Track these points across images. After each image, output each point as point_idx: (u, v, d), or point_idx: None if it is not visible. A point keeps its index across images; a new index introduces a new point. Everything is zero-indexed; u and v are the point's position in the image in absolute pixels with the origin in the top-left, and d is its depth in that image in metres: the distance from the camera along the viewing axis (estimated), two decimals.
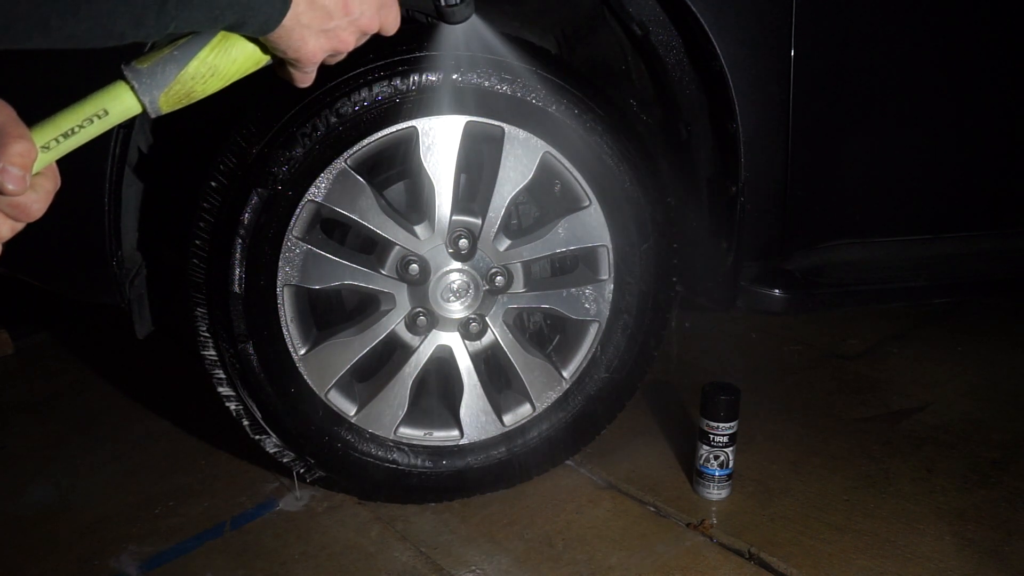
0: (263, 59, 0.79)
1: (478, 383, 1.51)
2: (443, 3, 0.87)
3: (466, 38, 0.96)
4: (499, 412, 1.54)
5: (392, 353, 1.52)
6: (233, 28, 0.70)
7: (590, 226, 1.47)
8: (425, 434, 1.53)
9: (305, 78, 0.81)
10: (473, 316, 1.48)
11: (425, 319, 1.46)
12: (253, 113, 1.32)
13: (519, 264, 1.49)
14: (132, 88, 0.73)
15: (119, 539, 1.49)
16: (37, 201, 0.64)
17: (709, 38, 1.39)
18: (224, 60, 0.76)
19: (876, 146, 1.64)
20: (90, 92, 0.73)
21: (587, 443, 1.64)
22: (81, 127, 0.72)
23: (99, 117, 0.73)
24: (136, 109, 0.75)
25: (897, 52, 1.58)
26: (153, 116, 0.76)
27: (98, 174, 1.29)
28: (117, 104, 0.74)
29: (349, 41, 0.79)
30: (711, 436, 1.53)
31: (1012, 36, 1.65)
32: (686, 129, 1.61)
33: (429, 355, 1.49)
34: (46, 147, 0.69)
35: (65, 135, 0.71)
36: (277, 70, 0.81)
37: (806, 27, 1.44)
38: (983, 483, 1.63)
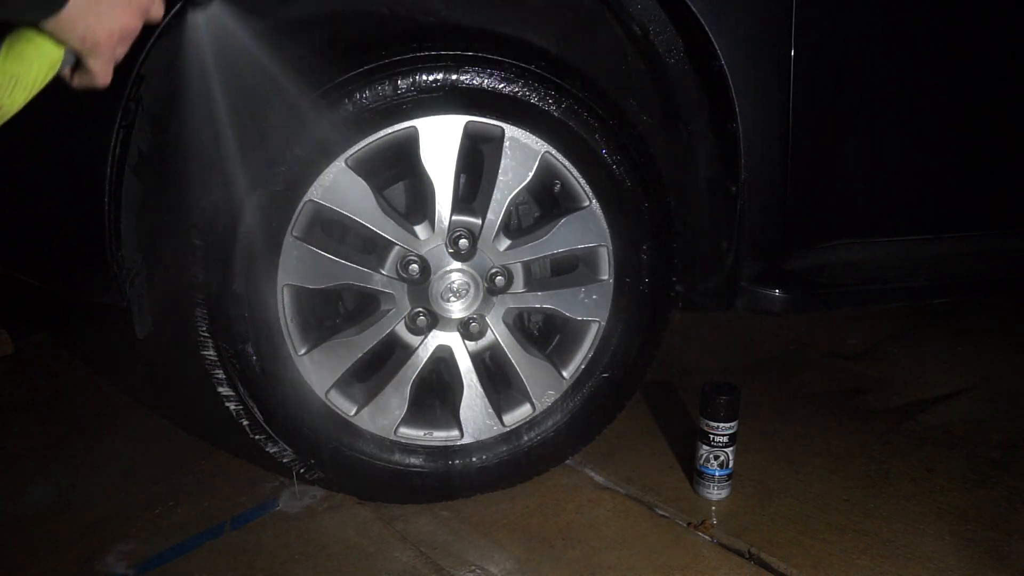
0: (57, 56, 0.75)
1: (478, 383, 1.51)
2: None
3: (213, 33, 0.96)
4: (499, 412, 1.54)
5: (392, 353, 1.52)
6: (15, 12, 0.67)
7: (590, 226, 1.47)
8: (425, 434, 1.53)
9: (105, 72, 0.79)
10: (473, 316, 1.48)
11: (425, 319, 1.46)
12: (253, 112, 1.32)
13: (519, 264, 1.49)
14: None
15: (119, 539, 1.49)
16: None
17: (709, 38, 1.39)
18: (23, 66, 0.73)
19: (876, 146, 1.64)
20: None
21: (587, 443, 1.65)
22: None
23: None
24: None
25: (897, 52, 1.58)
26: None
27: (98, 174, 1.29)
28: None
29: (136, 20, 0.78)
30: (711, 436, 1.53)
31: (1012, 36, 1.65)
32: (686, 129, 1.61)
33: (429, 355, 1.49)
34: None
35: None
36: (73, 79, 0.79)
37: (806, 27, 1.44)
38: (983, 483, 1.63)
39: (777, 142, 1.50)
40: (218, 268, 1.34)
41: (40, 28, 0.72)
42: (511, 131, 1.39)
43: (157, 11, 0.82)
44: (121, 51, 0.79)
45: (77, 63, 0.78)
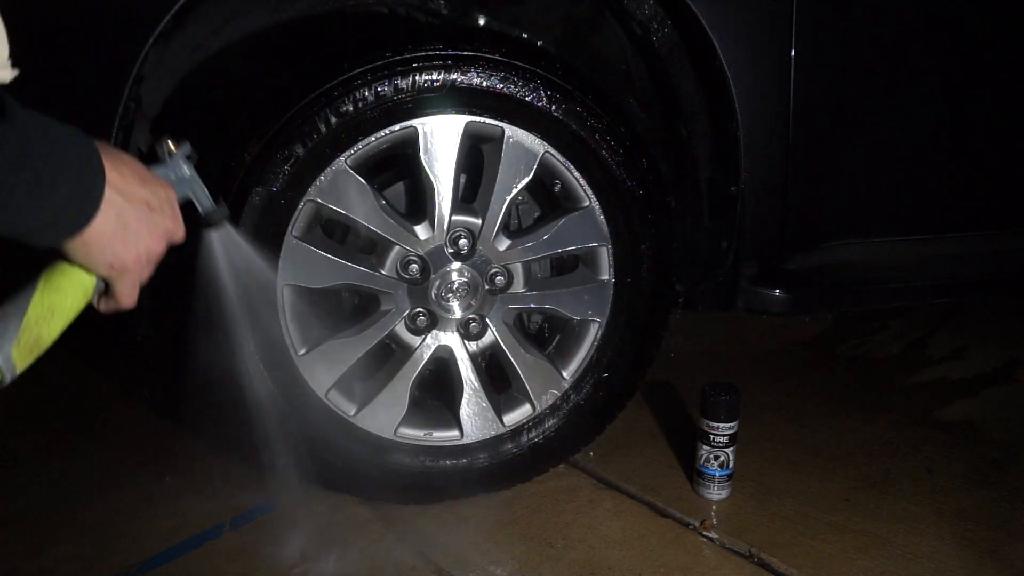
0: (90, 285, 0.80)
1: (478, 383, 1.51)
2: (202, 213, 0.96)
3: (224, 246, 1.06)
4: (499, 412, 1.54)
5: (392, 353, 1.52)
6: (39, 230, 0.71)
7: (590, 226, 1.47)
8: (425, 434, 1.53)
9: (131, 295, 0.83)
10: (473, 316, 1.48)
11: (425, 319, 1.46)
12: (253, 112, 1.32)
13: (519, 264, 1.49)
14: None
15: (119, 539, 1.49)
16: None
17: (709, 38, 1.39)
18: (58, 296, 0.77)
19: (876, 146, 1.64)
20: None
21: (587, 443, 1.65)
22: None
23: None
24: None
25: (898, 52, 1.58)
26: (10, 378, 0.75)
27: None
28: None
29: (161, 244, 0.83)
30: (711, 436, 1.53)
31: (1012, 36, 1.65)
32: (686, 129, 1.61)
33: (429, 355, 1.49)
34: None
35: None
36: (100, 303, 0.83)
37: (807, 27, 1.44)
38: (983, 483, 1.63)
39: (777, 142, 1.50)
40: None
41: (71, 258, 0.76)
42: (511, 131, 1.38)
43: (179, 235, 0.87)
44: (147, 273, 0.83)
45: (105, 288, 0.82)
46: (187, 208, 0.92)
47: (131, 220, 0.77)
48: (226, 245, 1.04)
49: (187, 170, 0.92)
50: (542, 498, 1.60)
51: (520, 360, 1.52)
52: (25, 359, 0.76)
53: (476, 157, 1.46)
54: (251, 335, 1.32)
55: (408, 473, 1.52)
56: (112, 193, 0.74)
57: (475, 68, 1.33)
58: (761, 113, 1.47)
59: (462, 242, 1.42)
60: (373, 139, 1.34)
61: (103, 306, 0.84)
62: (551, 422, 1.57)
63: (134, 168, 0.80)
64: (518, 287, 1.50)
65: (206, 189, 0.95)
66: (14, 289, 0.77)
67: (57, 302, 0.77)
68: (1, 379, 0.75)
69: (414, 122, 1.34)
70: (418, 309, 1.46)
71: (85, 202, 0.72)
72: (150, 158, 0.90)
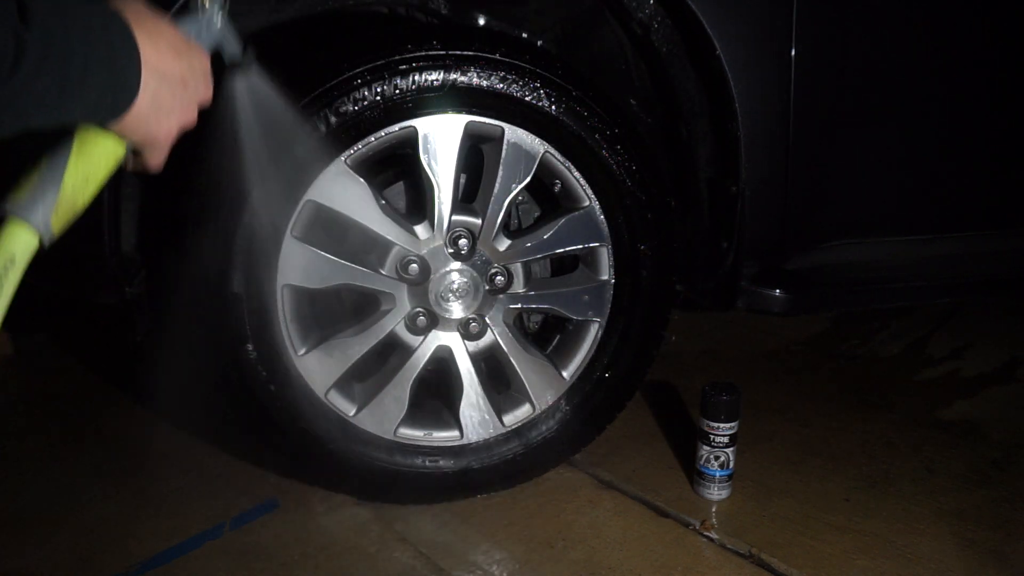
0: (121, 152, 0.80)
1: (478, 383, 1.51)
2: (230, 61, 0.96)
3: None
4: (499, 412, 1.54)
5: (392, 353, 1.52)
6: (83, 115, 0.71)
7: (590, 226, 1.47)
8: (425, 434, 1.53)
9: (159, 159, 0.84)
10: (473, 316, 1.48)
11: (425, 319, 1.46)
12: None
13: (519, 264, 1.48)
14: (23, 222, 0.74)
15: (119, 539, 1.49)
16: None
17: (709, 38, 1.39)
18: (91, 165, 0.78)
19: (876, 146, 1.64)
20: None
21: (587, 443, 1.64)
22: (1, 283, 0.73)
23: (9, 266, 0.74)
24: (34, 242, 0.75)
25: (898, 52, 1.58)
26: (48, 242, 0.76)
27: None
28: (18, 244, 0.75)
29: (194, 114, 0.84)
30: (711, 436, 1.53)
31: (1012, 36, 1.65)
32: (686, 129, 1.60)
33: (429, 355, 1.49)
34: None
35: None
36: (129, 162, 0.83)
37: (807, 26, 1.44)
38: (983, 483, 1.63)
39: (777, 142, 1.50)
40: (217, 268, 1.33)
41: (105, 128, 0.76)
42: (511, 131, 1.38)
43: (209, 100, 0.86)
44: (175, 137, 0.84)
45: (134, 151, 0.83)
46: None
47: (166, 98, 0.77)
48: (253, 89, 1.02)
49: (219, 21, 0.90)
50: (542, 498, 1.59)
51: (520, 360, 1.52)
52: (61, 224, 0.77)
53: (476, 157, 1.46)
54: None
55: (408, 473, 1.52)
56: (148, 75, 0.74)
57: (475, 68, 1.33)
58: (761, 113, 1.47)
59: (462, 242, 1.42)
60: (373, 139, 1.34)
61: (130, 166, 0.84)
62: (551, 422, 1.56)
63: (169, 39, 0.78)
64: (518, 287, 1.50)
65: (235, 37, 0.93)
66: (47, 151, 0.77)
67: (91, 170, 0.78)
68: (42, 243, 0.76)
69: (414, 122, 1.34)
70: (418, 309, 1.46)
71: (120, 92, 0.72)
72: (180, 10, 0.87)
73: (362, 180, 1.36)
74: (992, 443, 1.77)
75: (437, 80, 1.32)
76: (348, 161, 1.34)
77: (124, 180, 1.37)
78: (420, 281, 1.43)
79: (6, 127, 0.65)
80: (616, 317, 1.53)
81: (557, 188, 1.48)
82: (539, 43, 1.65)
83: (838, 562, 1.40)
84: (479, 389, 1.51)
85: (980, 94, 1.68)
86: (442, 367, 1.53)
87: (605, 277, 1.51)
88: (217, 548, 1.46)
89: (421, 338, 1.48)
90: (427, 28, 1.59)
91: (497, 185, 1.41)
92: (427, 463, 1.52)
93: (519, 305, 1.52)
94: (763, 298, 1.62)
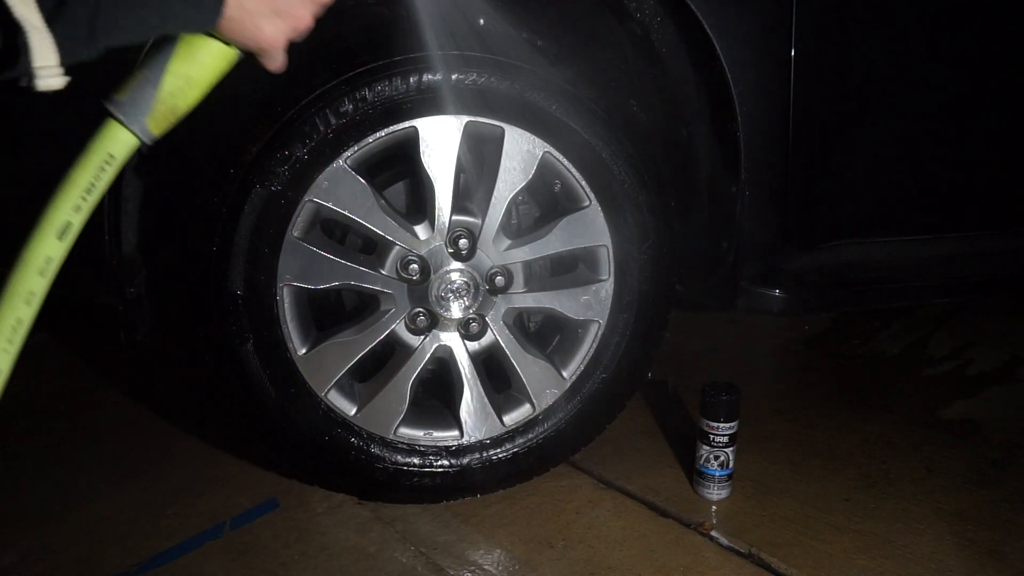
0: (232, 55, 0.78)
1: (478, 383, 1.51)
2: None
3: None
4: (499, 412, 1.54)
5: (392, 353, 1.52)
6: (175, 28, 0.70)
7: (590, 226, 1.47)
8: (425, 434, 1.53)
9: (275, 63, 0.81)
10: (473, 316, 1.48)
11: (425, 319, 1.46)
12: (252, 112, 1.32)
13: (519, 264, 1.49)
14: (121, 122, 0.74)
15: (119, 539, 1.49)
16: None
17: (709, 38, 1.39)
18: (194, 67, 0.76)
19: (876, 146, 1.64)
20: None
21: (587, 443, 1.64)
22: (98, 179, 0.72)
23: (108, 164, 0.74)
24: (133, 141, 0.75)
25: (898, 51, 1.58)
26: (149, 144, 0.76)
27: None
28: (116, 144, 0.74)
29: (306, 16, 0.79)
30: (711, 436, 1.53)
31: (1012, 36, 1.65)
32: (686, 129, 1.61)
33: (429, 355, 1.49)
34: (77, 207, 0.69)
35: (88, 191, 0.71)
36: (251, 60, 0.81)
37: (806, 26, 1.44)
38: (983, 483, 1.63)
39: (777, 142, 1.50)
40: (217, 268, 1.33)
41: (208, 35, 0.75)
42: (511, 131, 1.38)
43: (325, 1, 0.82)
44: (299, 39, 0.81)
45: (250, 55, 0.81)
46: None
47: (254, 3, 0.74)
48: None
49: None
50: (542, 498, 1.60)
51: (520, 360, 1.52)
52: (161, 127, 0.76)
53: (476, 157, 1.46)
54: None
55: (408, 473, 1.52)
56: None
57: (475, 68, 1.33)
58: (761, 113, 1.47)
59: (462, 242, 1.42)
60: (373, 139, 1.34)
61: (253, 62, 0.82)
62: (551, 422, 1.56)
63: None
64: (518, 287, 1.50)
65: None
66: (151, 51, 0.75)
67: (195, 73, 0.76)
68: (141, 147, 0.76)
69: (414, 122, 1.34)
70: (418, 309, 1.46)
71: (200, 2, 0.71)
72: None
73: (362, 180, 1.36)
74: (992, 443, 1.77)
75: (437, 80, 1.31)
76: (348, 161, 1.34)
77: (124, 180, 1.37)
78: (420, 281, 1.43)
79: (100, 43, 0.65)
80: (616, 317, 1.53)
81: (557, 188, 1.48)
82: (539, 43, 1.65)
83: (838, 562, 1.40)
84: (479, 389, 1.51)
85: (980, 94, 1.68)
86: (442, 367, 1.53)
87: (605, 277, 1.51)
88: (217, 548, 1.46)
89: (421, 338, 1.48)
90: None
91: (497, 185, 1.41)
92: (427, 463, 1.52)
93: (519, 305, 1.52)
94: (763, 298, 1.62)
